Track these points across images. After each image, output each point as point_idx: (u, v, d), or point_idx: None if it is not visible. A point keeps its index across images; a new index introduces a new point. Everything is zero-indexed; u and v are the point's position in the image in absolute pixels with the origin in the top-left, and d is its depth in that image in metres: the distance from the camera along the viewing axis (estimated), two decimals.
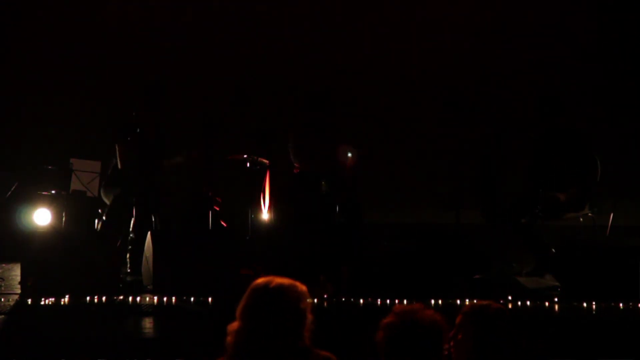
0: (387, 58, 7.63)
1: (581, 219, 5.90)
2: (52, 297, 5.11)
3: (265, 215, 5.63)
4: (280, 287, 2.13)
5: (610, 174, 5.96)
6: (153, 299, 5.16)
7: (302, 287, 2.17)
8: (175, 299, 5.17)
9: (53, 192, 5.64)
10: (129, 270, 5.74)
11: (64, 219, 5.59)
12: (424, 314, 2.08)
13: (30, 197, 5.69)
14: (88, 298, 5.15)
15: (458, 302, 4.88)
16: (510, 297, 5.05)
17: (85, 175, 5.61)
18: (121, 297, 5.17)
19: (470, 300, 4.79)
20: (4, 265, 6.19)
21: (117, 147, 5.82)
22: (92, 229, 5.73)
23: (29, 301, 5.15)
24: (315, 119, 6.07)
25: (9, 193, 5.88)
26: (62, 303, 5.08)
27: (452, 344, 2.20)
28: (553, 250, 5.55)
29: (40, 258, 5.31)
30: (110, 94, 6.93)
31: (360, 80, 7.55)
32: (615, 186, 6.33)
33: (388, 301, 5.00)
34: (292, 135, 6.19)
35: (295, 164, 6.12)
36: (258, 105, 7.25)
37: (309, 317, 2.13)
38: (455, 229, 6.06)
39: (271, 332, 2.08)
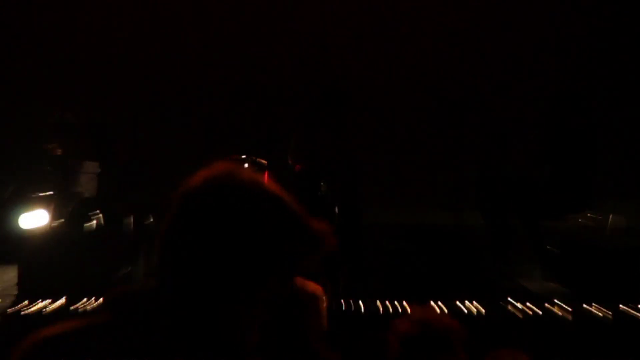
0: (389, 59, 7.57)
1: (580, 220, 5.88)
2: (49, 299, 5.08)
3: None
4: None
5: (610, 175, 6.00)
6: None
7: (317, 288, 2.07)
8: None
9: (51, 193, 5.59)
10: (125, 272, 5.64)
11: (61, 220, 5.53)
12: (439, 321, 2.04)
13: (28, 199, 5.63)
14: (85, 300, 5.10)
15: (458, 303, 4.84)
16: (510, 299, 4.99)
17: (83, 176, 5.62)
18: None
19: (470, 302, 4.89)
20: (1, 266, 6.11)
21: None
22: (89, 230, 5.63)
23: (26, 302, 5.12)
24: (328, 116, 5.95)
25: (7, 194, 5.79)
26: (59, 305, 5.04)
27: None
28: (555, 250, 5.52)
29: (38, 260, 5.26)
30: (109, 95, 6.81)
31: (362, 80, 7.45)
32: (616, 187, 6.27)
33: (387, 302, 4.92)
34: (297, 134, 6.07)
35: (294, 164, 6.02)
36: (259, 104, 7.18)
37: (323, 319, 2.05)
38: (457, 230, 6.08)
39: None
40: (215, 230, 1.12)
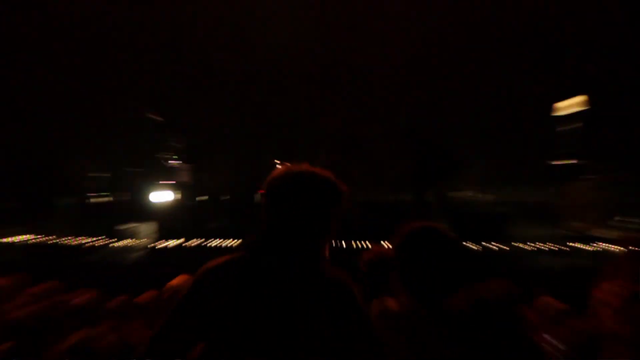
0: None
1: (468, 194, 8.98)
2: (173, 239, 8.33)
3: None
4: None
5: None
6: None
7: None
8: None
9: (172, 182, 9.29)
10: (212, 226, 8.36)
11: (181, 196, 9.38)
12: (387, 251, 2.27)
13: (155, 184, 9.25)
14: (194, 240, 7.96)
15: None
16: None
17: (183, 170, 9.00)
18: None
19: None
20: (146, 222, 9.81)
21: None
22: (195, 203, 9.09)
23: (162, 241, 8.63)
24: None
25: (137, 181, 9.07)
26: (179, 242, 8.14)
27: None
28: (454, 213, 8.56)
29: (166, 218, 9.04)
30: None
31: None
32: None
33: (361, 243, 8.01)
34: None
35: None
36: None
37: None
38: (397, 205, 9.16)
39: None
40: (296, 203, 1.79)
